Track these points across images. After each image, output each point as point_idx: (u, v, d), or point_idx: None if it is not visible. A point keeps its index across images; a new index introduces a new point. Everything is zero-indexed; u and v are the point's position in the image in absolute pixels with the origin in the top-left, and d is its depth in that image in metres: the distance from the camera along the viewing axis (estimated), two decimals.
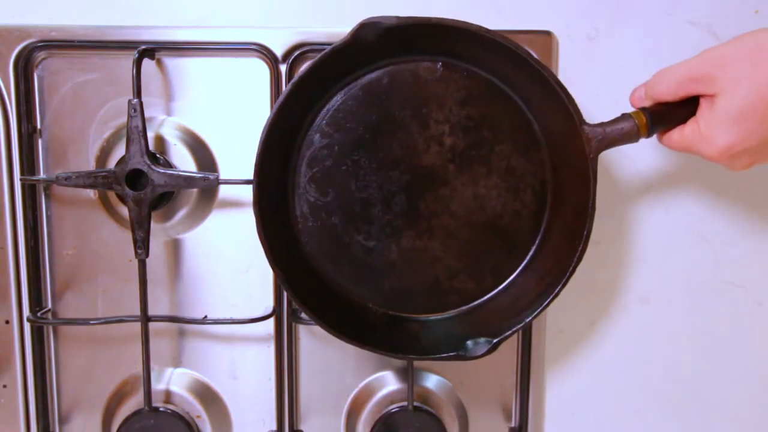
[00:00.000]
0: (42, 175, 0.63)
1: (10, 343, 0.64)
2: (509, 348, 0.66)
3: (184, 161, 0.63)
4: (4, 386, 0.64)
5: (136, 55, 0.59)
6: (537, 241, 0.61)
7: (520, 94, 0.59)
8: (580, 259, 0.56)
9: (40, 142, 0.63)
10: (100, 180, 0.60)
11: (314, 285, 0.61)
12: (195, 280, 0.65)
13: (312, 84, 0.56)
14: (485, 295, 0.62)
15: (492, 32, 0.54)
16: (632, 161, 0.66)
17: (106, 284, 0.65)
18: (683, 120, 0.55)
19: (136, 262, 0.61)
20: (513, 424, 0.68)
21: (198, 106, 0.63)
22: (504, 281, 0.62)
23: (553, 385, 0.69)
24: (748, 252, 0.68)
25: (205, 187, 0.62)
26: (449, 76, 0.59)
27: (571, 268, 0.56)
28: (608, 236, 0.67)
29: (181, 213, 0.64)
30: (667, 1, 0.64)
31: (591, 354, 0.69)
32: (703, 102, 0.52)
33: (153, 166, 0.59)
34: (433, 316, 0.62)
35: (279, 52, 0.62)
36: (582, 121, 0.55)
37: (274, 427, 0.66)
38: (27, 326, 0.64)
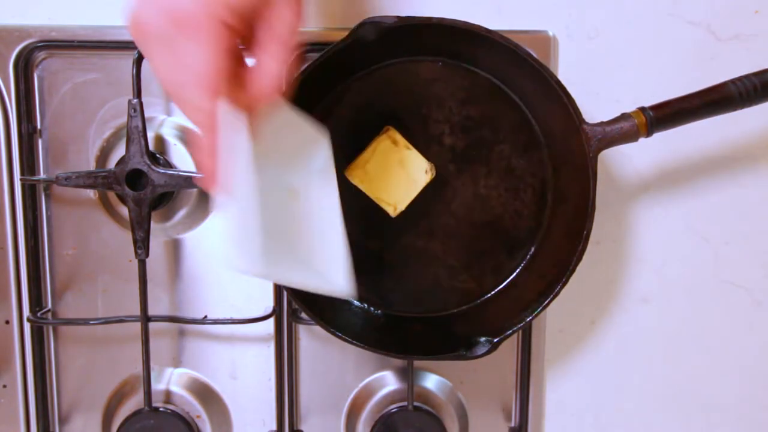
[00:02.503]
0: (42, 175, 0.63)
1: (10, 343, 0.64)
2: (509, 348, 0.66)
3: (184, 161, 0.63)
4: (4, 386, 0.64)
5: (136, 55, 0.59)
6: (537, 241, 0.61)
7: (520, 94, 0.59)
8: (579, 259, 0.56)
9: (40, 142, 0.63)
10: (100, 180, 0.60)
11: None
12: (195, 280, 0.65)
13: (311, 84, 0.56)
14: (485, 295, 0.62)
15: (492, 32, 0.54)
16: (632, 161, 0.66)
17: (106, 284, 0.65)
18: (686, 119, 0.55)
19: (136, 262, 0.61)
20: (513, 424, 0.67)
21: None
22: (504, 281, 0.62)
23: (553, 385, 0.69)
24: (748, 252, 0.68)
25: None
26: (449, 76, 0.59)
27: (571, 267, 0.56)
28: (608, 236, 0.67)
29: (181, 213, 0.64)
30: (667, 1, 0.64)
31: (591, 354, 0.69)
32: None
33: (153, 166, 0.59)
34: (433, 316, 0.62)
35: None
36: (582, 121, 0.55)
37: (274, 427, 0.66)
38: (27, 326, 0.64)
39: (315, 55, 0.54)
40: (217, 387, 0.66)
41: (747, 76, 0.55)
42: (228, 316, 0.65)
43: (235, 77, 0.42)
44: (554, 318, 0.68)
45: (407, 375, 0.63)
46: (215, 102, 0.41)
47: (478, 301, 0.62)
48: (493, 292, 0.62)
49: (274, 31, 0.43)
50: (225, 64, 0.41)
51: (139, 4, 0.41)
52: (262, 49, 0.43)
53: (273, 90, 0.44)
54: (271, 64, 0.43)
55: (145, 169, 0.59)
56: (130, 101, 0.59)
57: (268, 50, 0.43)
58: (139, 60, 0.59)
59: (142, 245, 0.60)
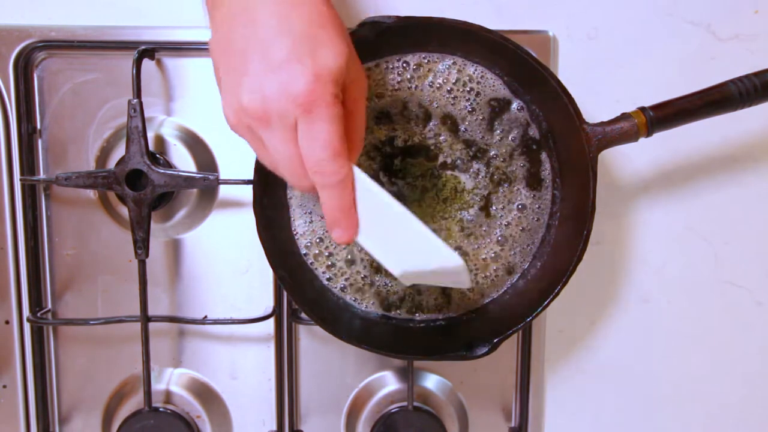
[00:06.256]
0: (42, 175, 0.63)
1: (10, 343, 0.64)
2: (509, 348, 0.66)
3: (184, 161, 0.63)
4: (4, 386, 0.64)
5: (136, 55, 0.59)
6: (537, 241, 0.61)
7: (521, 94, 0.59)
8: (580, 259, 0.56)
9: (40, 142, 0.63)
10: (100, 180, 0.60)
11: (314, 285, 0.61)
12: (195, 280, 0.65)
13: None
14: (486, 295, 0.62)
15: (492, 32, 0.54)
16: (632, 161, 0.66)
17: (106, 284, 0.65)
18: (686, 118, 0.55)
19: (136, 262, 0.61)
20: (513, 424, 0.67)
21: (198, 106, 0.63)
22: (505, 282, 0.62)
23: (553, 385, 0.69)
24: (748, 252, 0.68)
25: (205, 187, 0.62)
26: (449, 75, 0.59)
27: (571, 267, 0.56)
28: (608, 236, 0.67)
29: (181, 213, 0.64)
30: (667, 1, 0.64)
31: (591, 354, 0.69)
32: None
33: (153, 166, 0.59)
34: (433, 316, 0.62)
35: None
36: (582, 121, 0.55)
37: (274, 427, 0.66)
38: (27, 326, 0.64)
39: None
40: (217, 387, 0.66)
41: (747, 76, 0.55)
42: (228, 316, 0.65)
43: None
44: (554, 318, 0.68)
45: (407, 375, 0.63)
46: (350, 165, 0.47)
47: (479, 302, 0.62)
48: (493, 293, 0.62)
49: (359, 92, 0.48)
50: (343, 130, 0.45)
51: (253, 92, 0.43)
52: (350, 107, 0.47)
53: (363, 139, 0.50)
54: (360, 118, 0.49)
55: (145, 169, 0.59)
56: (130, 101, 0.59)
57: (355, 113, 0.48)
58: (139, 60, 0.59)
59: (142, 245, 0.60)
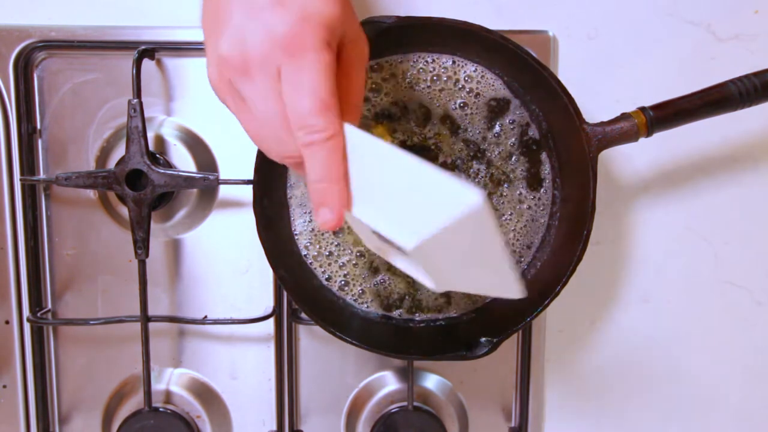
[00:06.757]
0: (42, 175, 0.63)
1: (10, 344, 0.64)
2: (509, 348, 0.66)
3: (184, 161, 0.63)
4: (4, 386, 0.64)
5: (136, 55, 0.59)
6: (537, 241, 0.61)
7: (521, 94, 0.59)
8: (580, 259, 0.56)
9: (40, 142, 0.63)
10: (100, 180, 0.60)
11: (314, 285, 0.61)
12: (195, 280, 0.65)
13: None
14: (486, 295, 0.62)
15: (492, 32, 0.54)
16: (632, 161, 0.66)
17: (106, 284, 0.65)
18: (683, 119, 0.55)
19: (136, 262, 0.61)
20: (513, 424, 0.67)
21: (198, 106, 0.63)
22: None
23: (553, 385, 0.69)
24: (748, 252, 0.68)
25: (205, 187, 0.62)
26: (449, 75, 0.59)
27: (571, 267, 0.56)
28: (608, 236, 0.67)
29: (181, 213, 0.64)
30: (667, 1, 0.64)
31: (591, 354, 0.69)
32: None
33: (153, 167, 0.59)
34: (433, 316, 0.62)
35: None
36: (582, 121, 0.55)
37: (274, 427, 0.66)
38: (27, 326, 0.64)
39: None
40: (217, 387, 0.66)
41: (747, 76, 0.55)
42: (228, 316, 0.65)
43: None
44: (554, 318, 0.68)
45: (407, 375, 0.63)
46: (340, 124, 0.40)
47: (479, 302, 0.62)
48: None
49: (358, 54, 0.43)
50: (334, 84, 0.40)
51: (233, 40, 0.39)
52: (347, 69, 0.42)
53: (360, 106, 0.44)
54: (359, 83, 0.43)
55: (145, 169, 0.59)
56: (130, 101, 0.59)
57: (352, 75, 0.43)
58: (139, 60, 0.59)
59: (142, 245, 0.60)
